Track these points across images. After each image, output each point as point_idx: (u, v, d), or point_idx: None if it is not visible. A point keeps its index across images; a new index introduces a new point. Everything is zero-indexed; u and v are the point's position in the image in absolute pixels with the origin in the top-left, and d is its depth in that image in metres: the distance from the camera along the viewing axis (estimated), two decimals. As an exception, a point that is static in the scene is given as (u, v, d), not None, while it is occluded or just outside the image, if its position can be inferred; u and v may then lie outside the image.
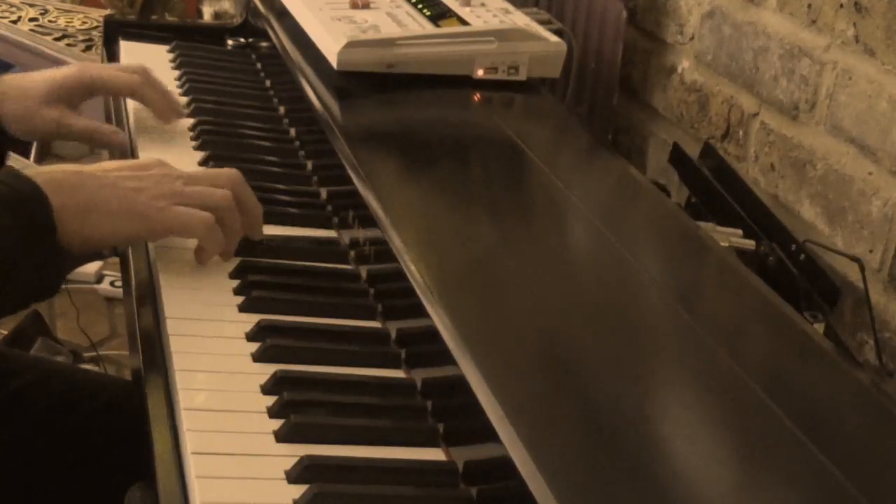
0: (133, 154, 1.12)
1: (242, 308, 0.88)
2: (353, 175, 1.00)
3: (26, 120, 1.10)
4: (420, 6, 1.31)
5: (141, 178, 0.89)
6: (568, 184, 1.03)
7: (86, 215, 0.84)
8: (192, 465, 0.68)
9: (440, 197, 1.02)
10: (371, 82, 1.21)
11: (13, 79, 1.12)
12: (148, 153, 1.11)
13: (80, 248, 0.86)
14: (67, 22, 2.21)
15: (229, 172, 0.94)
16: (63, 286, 1.78)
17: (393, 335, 0.87)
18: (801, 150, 1.21)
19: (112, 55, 1.42)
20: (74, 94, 1.13)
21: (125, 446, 1.02)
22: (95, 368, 2.00)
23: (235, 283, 0.91)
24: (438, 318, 0.78)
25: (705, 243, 0.99)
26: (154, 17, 2.33)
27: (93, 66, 1.16)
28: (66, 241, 0.83)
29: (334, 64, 1.20)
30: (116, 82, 1.16)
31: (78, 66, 1.15)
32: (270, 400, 0.76)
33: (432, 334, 0.77)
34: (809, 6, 1.20)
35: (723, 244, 1.05)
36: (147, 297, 0.89)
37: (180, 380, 0.77)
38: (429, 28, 1.26)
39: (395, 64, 1.22)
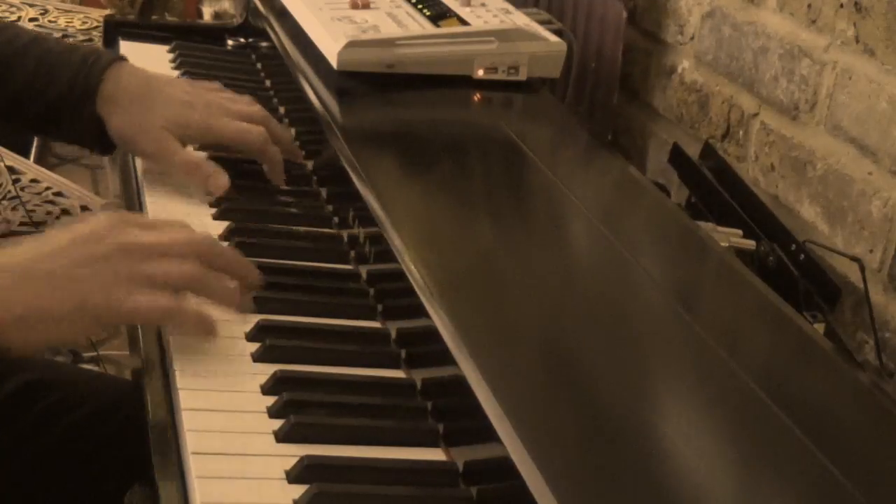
0: (136, 171, 1.10)
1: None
2: (353, 175, 1.00)
3: (134, 138, 1.04)
4: (420, 6, 1.31)
5: (91, 260, 0.77)
6: (568, 184, 1.03)
7: (28, 324, 0.74)
8: (192, 465, 0.68)
9: (440, 197, 1.02)
10: (371, 82, 1.21)
11: (137, 89, 1.05)
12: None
13: (31, 354, 0.80)
14: (67, 22, 2.21)
15: (193, 244, 0.82)
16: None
17: (393, 335, 0.87)
18: (801, 150, 1.21)
19: (112, 55, 1.42)
20: (193, 139, 1.07)
21: (125, 446, 1.02)
22: (95, 368, 2.00)
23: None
24: (438, 318, 0.78)
25: (705, 243, 0.99)
26: (154, 17, 2.33)
27: (220, 117, 1.06)
28: (12, 350, 0.75)
29: (334, 64, 1.20)
30: (243, 142, 1.07)
31: (208, 112, 1.06)
32: (270, 400, 0.76)
33: (432, 334, 0.77)
34: (809, 6, 1.20)
35: (723, 244, 1.05)
36: (147, 297, 0.89)
37: (180, 380, 0.77)
38: (429, 28, 1.26)
39: (395, 64, 1.22)
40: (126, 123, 1.04)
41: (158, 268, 0.78)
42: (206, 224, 1.01)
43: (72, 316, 0.75)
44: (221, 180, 1.04)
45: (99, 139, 1.07)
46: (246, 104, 1.10)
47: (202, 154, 1.08)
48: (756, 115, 1.29)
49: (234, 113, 1.08)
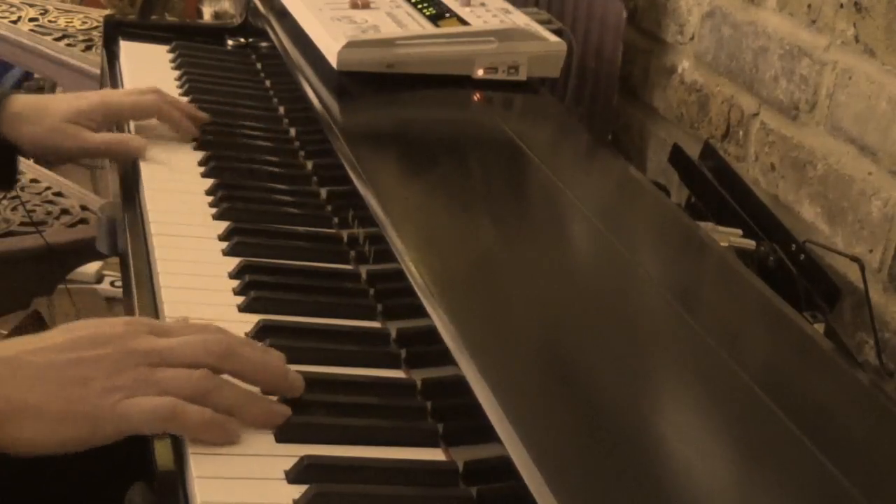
0: (136, 170, 1.11)
1: (242, 308, 0.88)
2: (353, 175, 1.00)
3: (45, 141, 1.11)
4: (420, 6, 1.31)
5: (94, 362, 0.70)
6: (568, 184, 1.03)
7: (15, 419, 0.68)
8: (192, 465, 0.68)
9: (440, 197, 1.02)
10: (371, 82, 1.21)
11: (31, 100, 1.14)
12: (150, 158, 1.11)
13: (24, 453, 0.69)
14: (67, 22, 2.21)
15: (209, 349, 0.73)
16: (63, 286, 1.79)
17: (393, 335, 0.87)
18: (801, 150, 1.21)
19: (112, 55, 1.42)
20: (96, 121, 1.13)
21: (125, 446, 1.02)
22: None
23: (235, 283, 0.91)
24: (438, 318, 0.78)
25: (705, 243, 0.99)
26: (154, 17, 2.33)
27: (114, 94, 1.17)
28: (2, 446, 0.68)
29: (334, 64, 1.20)
30: (139, 107, 1.16)
31: (100, 94, 1.16)
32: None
33: (432, 334, 0.77)
34: (809, 6, 1.20)
35: (723, 244, 1.05)
36: (147, 298, 0.89)
37: (180, 380, 0.77)
38: (429, 28, 1.26)
39: (395, 64, 1.22)
40: (35, 131, 1.11)
41: (161, 375, 0.70)
42: (207, 224, 1.01)
43: (60, 416, 0.68)
44: (140, 141, 1.12)
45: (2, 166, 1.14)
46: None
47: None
48: (756, 115, 1.29)
49: (126, 92, 1.18)
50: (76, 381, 0.69)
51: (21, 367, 0.69)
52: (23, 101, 1.13)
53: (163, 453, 0.71)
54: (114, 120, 1.17)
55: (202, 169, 1.12)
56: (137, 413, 0.69)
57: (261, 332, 0.84)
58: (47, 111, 1.12)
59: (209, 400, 0.71)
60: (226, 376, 0.73)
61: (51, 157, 1.17)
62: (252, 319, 0.85)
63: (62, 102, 1.13)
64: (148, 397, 0.69)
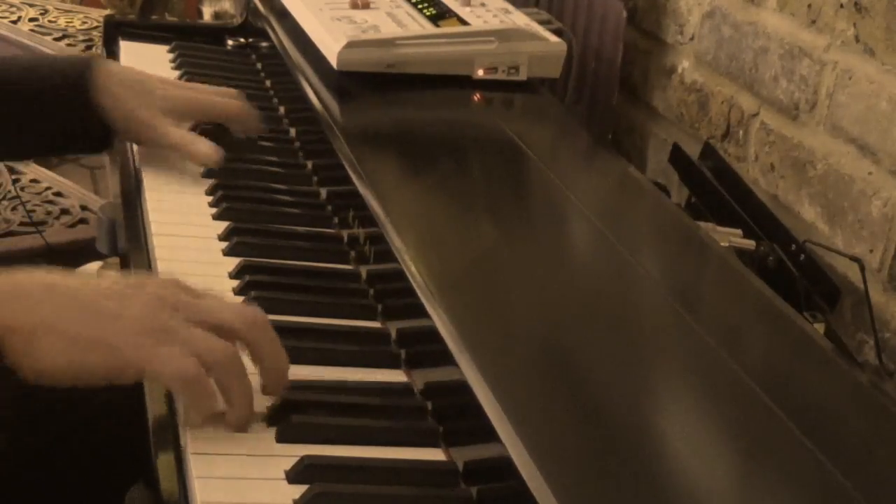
0: (137, 171, 1.11)
1: (242, 308, 0.88)
2: (353, 175, 1.00)
3: (135, 124, 1.09)
4: (420, 6, 1.31)
5: (127, 300, 0.71)
6: (568, 184, 1.03)
7: (38, 337, 0.69)
8: (192, 465, 0.68)
9: (440, 197, 1.02)
10: (371, 82, 1.21)
11: (132, 76, 1.12)
12: (150, 159, 1.11)
13: (30, 376, 0.71)
14: (67, 22, 2.22)
15: (245, 314, 0.75)
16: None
17: (393, 335, 0.87)
18: (801, 150, 1.21)
19: (112, 55, 1.42)
20: (185, 115, 1.12)
21: (125, 446, 1.02)
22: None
23: (235, 283, 0.91)
24: (438, 318, 0.78)
25: (705, 243, 0.99)
26: (154, 17, 2.33)
27: (203, 93, 1.14)
28: (12, 363, 0.70)
29: (334, 64, 1.20)
30: (226, 110, 1.14)
31: (193, 91, 1.14)
32: (270, 400, 0.76)
33: (432, 334, 0.77)
34: (809, 6, 1.20)
35: (723, 244, 1.05)
36: (147, 297, 0.88)
37: (180, 380, 0.77)
38: (429, 28, 1.26)
39: (395, 64, 1.22)
40: (128, 108, 1.08)
41: (192, 332, 0.71)
42: (207, 224, 1.01)
43: (85, 342, 0.70)
44: (208, 150, 1.08)
45: (91, 132, 1.10)
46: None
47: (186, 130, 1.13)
48: (756, 115, 1.29)
49: (210, 91, 1.15)
50: (109, 313, 0.70)
51: (57, 294, 0.71)
52: (122, 74, 1.10)
53: (163, 453, 0.71)
54: (202, 117, 1.14)
55: (202, 169, 1.12)
56: (161, 362, 0.70)
57: (261, 332, 0.84)
58: (146, 92, 1.10)
59: (221, 375, 0.71)
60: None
61: (128, 137, 1.14)
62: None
63: (160, 89, 1.11)
64: (182, 357, 0.70)
